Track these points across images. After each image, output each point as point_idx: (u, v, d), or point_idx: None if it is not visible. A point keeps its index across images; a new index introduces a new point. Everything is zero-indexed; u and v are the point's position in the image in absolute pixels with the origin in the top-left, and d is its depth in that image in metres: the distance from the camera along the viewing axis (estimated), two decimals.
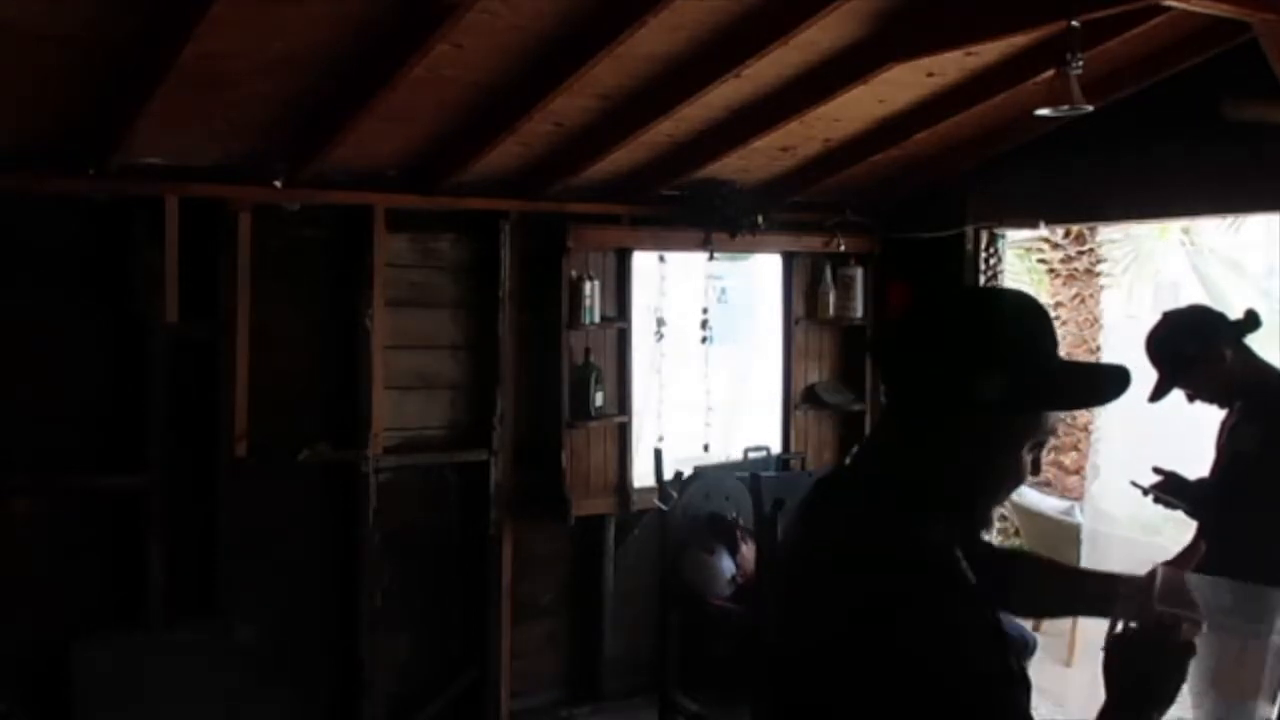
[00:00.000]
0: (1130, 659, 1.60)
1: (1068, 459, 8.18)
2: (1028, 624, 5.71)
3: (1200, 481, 3.60)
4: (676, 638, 5.01)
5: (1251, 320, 3.50)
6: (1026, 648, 4.45)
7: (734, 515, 4.99)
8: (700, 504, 5.02)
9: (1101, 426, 8.35)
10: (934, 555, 1.50)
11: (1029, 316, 1.59)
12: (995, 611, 1.54)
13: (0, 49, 3.15)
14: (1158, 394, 3.50)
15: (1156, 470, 3.62)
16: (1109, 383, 1.58)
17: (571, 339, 5.15)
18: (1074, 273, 8.91)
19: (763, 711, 1.63)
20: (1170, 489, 3.59)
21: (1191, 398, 3.57)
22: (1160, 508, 3.75)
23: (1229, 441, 3.58)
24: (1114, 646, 1.62)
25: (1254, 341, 3.57)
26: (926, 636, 1.42)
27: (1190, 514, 3.61)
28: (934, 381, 1.55)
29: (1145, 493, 3.62)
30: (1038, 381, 1.54)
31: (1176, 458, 3.65)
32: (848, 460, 1.76)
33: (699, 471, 5.06)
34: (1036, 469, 1.60)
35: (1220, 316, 3.57)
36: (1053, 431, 1.61)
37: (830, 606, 1.50)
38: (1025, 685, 1.50)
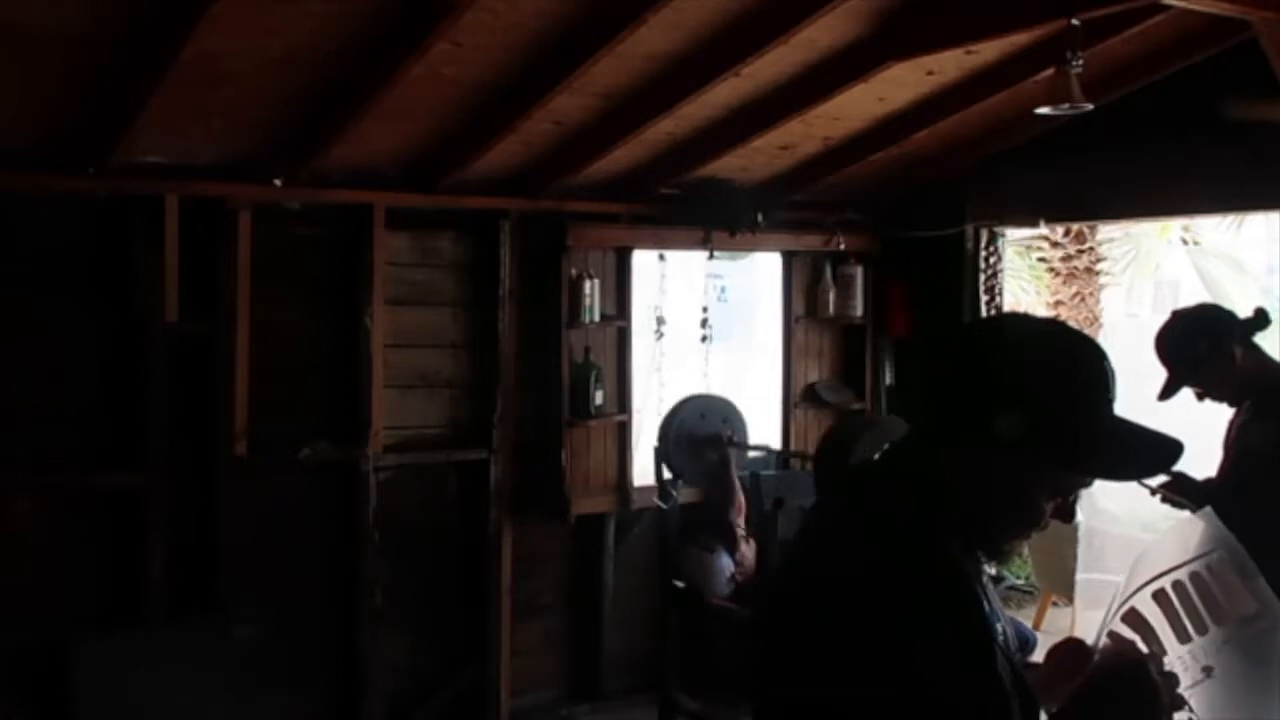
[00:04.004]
0: (1127, 689, 1.55)
1: None
2: (1028, 621, 5.74)
3: (1208, 481, 3.59)
4: (676, 637, 5.01)
5: (1261, 318, 3.49)
6: (1027, 644, 4.45)
7: (730, 434, 5.33)
8: (696, 424, 5.30)
9: None
10: (940, 565, 1.47)
11: (1081, 366, 1.49)
12: (997, 625, 1.52)
13: (0, 49, 3.15)
14: (1167, 393, 3.49)
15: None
16: (1144, 462, 1.51)
17: (571, 337, 5.14)
18: (1074, 271, 8.92)
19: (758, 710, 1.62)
20: (1178, 488, 3.58)
21: (1201, 396, 3.56)
22: (1159, 507, 3.74)
23: (1238, 440, 3.56)
24: (1118, 671, 1.58)
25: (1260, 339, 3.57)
26: (923, 649, 1.40)
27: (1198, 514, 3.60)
28: (954, 401, 1.52)
29: (1153, 492, 3.60)
30: (1060, 436, 1.45)
31: None
32: (858, 460, 1.75)
33: (694, 395, 5.39)
34: (1069, 516, 1.52)
35: (1230, 315, 3.56)
36: (1085, 484, 1.54)
37: (828, 610, 1.48)
38: (1025, 698, 1.47)
